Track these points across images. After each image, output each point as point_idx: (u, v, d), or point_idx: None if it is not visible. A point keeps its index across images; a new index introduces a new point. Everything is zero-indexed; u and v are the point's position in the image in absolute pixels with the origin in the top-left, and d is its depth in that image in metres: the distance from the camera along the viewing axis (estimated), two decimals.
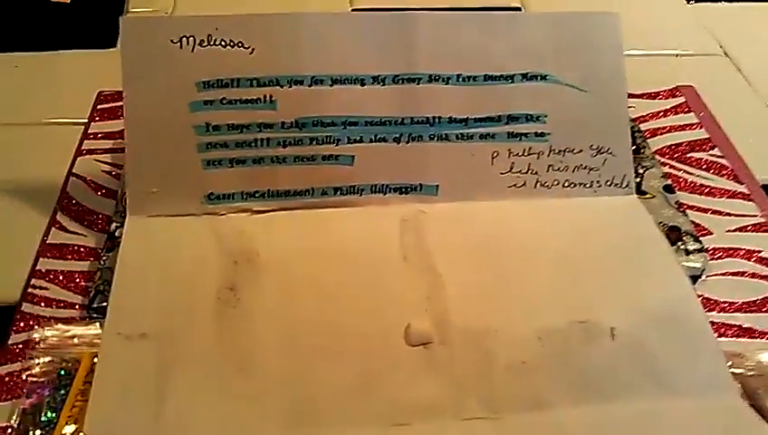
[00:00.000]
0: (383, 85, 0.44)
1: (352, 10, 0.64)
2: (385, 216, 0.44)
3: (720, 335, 0.39)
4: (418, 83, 0.45)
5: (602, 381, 0.36)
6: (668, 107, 0.55)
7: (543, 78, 0.46)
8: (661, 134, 0.53)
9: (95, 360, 0.36)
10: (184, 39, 0.43)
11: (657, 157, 0.50)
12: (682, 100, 0.56)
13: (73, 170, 0.47)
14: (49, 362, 0.36)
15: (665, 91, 0.57)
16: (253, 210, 0.44)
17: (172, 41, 0.43)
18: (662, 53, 0.63)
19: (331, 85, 0.44)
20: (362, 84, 0.44)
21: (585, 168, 0.47)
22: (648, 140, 0.52)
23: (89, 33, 0.60)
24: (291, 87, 0.44)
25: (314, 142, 0.44)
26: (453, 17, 0.46)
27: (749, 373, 0.36)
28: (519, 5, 0.66)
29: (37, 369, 0.36)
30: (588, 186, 0.46)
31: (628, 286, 0.40)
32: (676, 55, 0.63)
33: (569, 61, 0.46)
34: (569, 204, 0.45)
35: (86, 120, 0.51)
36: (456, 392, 0.35)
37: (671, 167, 0.50)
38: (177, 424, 0.34)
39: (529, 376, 0.36)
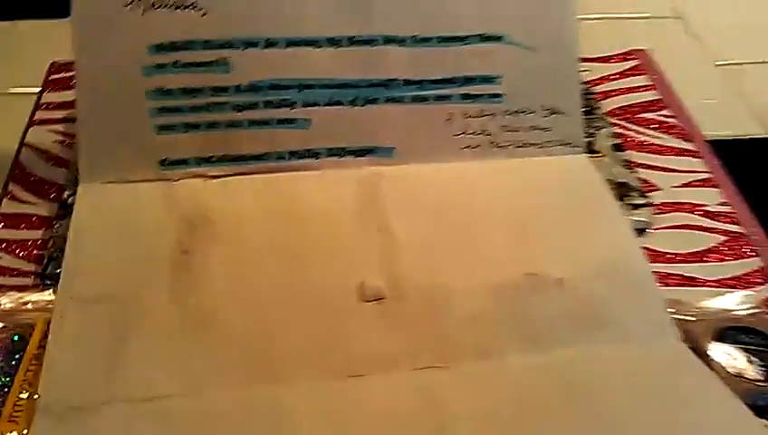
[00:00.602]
0: (339, 48, 0.44)
1: None
2: (342, 178, 0.44)
3: (664, 285, 0.40)
4: (374, 45, 0.45)
5: (550, 329, 0.37)
6: (621, 70, 0.56)
7: (498, 39, 0.46)
8: (613, 96, 0.53)
9: (49, 324, 0.36)
10: (135, 2, 0.42)
11: (609, 118, 0.51)
12: (635, 63, 0.57)
13: (25, 141, 0.47)
14: (2, 328, 0.36)
15: (618, 54, 0.58)
16: (208, 175, 0.44)
17: (124, 4, 0.42)
18: (617, 15, 0.64)
19: (286, 47, 0.44)
20: (318, 47, 0.44)
21: (537, 128, 0.47)
22: (601, 102, 0.53)
23: (44, 3, 0.58)
24: (245, 49, 0.43)
25: (270, 106, 0.44)
26: None
27: (691, 319, 0.37)
28: None
29: None
30: (540, 146, 0.47)
31: (577, 240, 0.41)
32: (631, 18, 0.64)
33: (522, 23, 0.46)
34: (521, 164, 0.46)
35: (38, 91, 0.51)
36: (409, 344, 0.36)
37: (622, 127, 0.51)
38: (135, 384, 0.34)
39: (481, 327, 0.37)
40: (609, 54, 0.57)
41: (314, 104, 0.45)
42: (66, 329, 0.35)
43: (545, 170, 0.46)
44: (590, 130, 0.49)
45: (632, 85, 0.55)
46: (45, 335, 0.35)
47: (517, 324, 0.37)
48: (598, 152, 0.48)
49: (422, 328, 0.37)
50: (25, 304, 0.37)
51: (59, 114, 0.49)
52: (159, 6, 0.42)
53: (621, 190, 0.45)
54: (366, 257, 0.40)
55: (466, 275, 0.39)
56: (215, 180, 0.44)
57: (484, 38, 0.46)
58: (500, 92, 0.46)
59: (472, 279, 0.39)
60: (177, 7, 0.43)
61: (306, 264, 0.39)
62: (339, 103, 0.45)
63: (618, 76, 0.55)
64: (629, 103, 0.53)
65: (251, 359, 0.35)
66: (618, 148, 0.48)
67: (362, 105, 0.45)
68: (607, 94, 0.54)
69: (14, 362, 0.35)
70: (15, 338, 0.36)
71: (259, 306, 0.37)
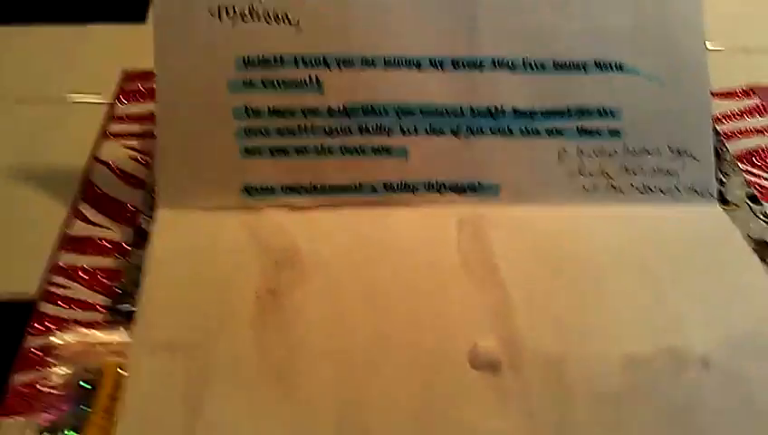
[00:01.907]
0: (442, 69, 0.40)
1: None
2: (441, 217, 0.40)
3: None
4: (481, 69, 0.40)
5: (694, 416, 0.32)
6: (745, 108, 0.50)
7: (620, 68, 0.41)
8: (739, 138, 0.48)
9: (119, 370, 0.32)
10: (223, 11, 0.38)
11: (738, 163, 0.46)
12: (758, 100, 0.51)
13: (98, 156, 0.43)
14: (70, 372, 0.32)
15: (740, 90, 0.52)
16: (294, 206, 0.40)
17: (210, 12, 0.38)
18: (737, 46, 0.58)
19: (385, 68, 0.39)
20: (419, 67, 0.40)
21: (663, 171, 0.42)
22: (727, 144, 0.47)
23: (117, 6, 0.56)
24: (339, 68, 0.39)
25: (364, 132, 0.40)
26: None
27: None
28: None
29: (57, 380, 0.32)
30: (666, 192, 0.42)
31: (719, 308, 0.36)
32: (754, 51, 0.58)
33: (646, 48, 0.41)
34: (646, 211, 0.41)
35: (110, 102, 0.47)
36: (528, 425, 0.31)
37: (754, 175, 0.45)
38: None
39: (611, 409, 0.32)
40: (730, 90, 0.52)
41: (413, 132, 0.40)
42: (141, 380, 0.31)
43: (675, 221, 0.40)
44: (720, 177, 0.43)
45: (759, 126, 0.49)
46: (116, 385, 0.32)
47: (655, 410, 0.32)
48: (731, 203, 0.43)
49: (543, 406, 0.32)
50: (95, 344, 0.33)
51: (133, 128, 0.45)
52: (250, 18, 0.39)
53: (763, 249, 0.39)
54: (476, 315, 0.35)
55: (592, 343, 0.34)
56: (302, 212, 0.39)
57: (604, 66, 0.41)
58: (620, 128, 0.41)
59: (599, 349, 0.34)
60: (269, 20, 0.39)
61: (406, 318, 0.34)
62: (440, 132, 0.41)
63: (741, 115, 0.50)
64: (760, 147, 0.47)
65: (341, 426, 0.31)
66: (754, 199, 0.43)
67: (466, 136, 0.41)
68: (731, 135, 0.48)
69: (80, 413, 0.31)
70: (84, 385, 0.32)
71: (353, 366, 0.33)
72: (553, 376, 0.33)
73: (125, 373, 0.32)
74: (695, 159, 0.42)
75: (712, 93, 0.47)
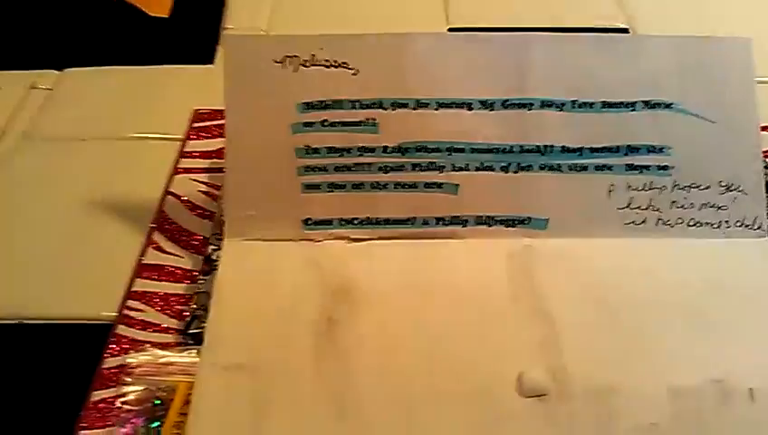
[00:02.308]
0: (492, 110, 0.42)
1: (449, 29, 0.62)
2: (490, 250, 0.41)
3: None
4: (530, 109, 0.42)
5: None
6: None
7: (668, 106, 0.42)
8: None
9: (190, 390, 0.34)
10: (287, 59, 0.41)
11: None
12: None
13: (169, 189, 0.47)
14: (144, 389, 0.35)
15: None
16: (351, 238, 0.42)
17: (275, 60, 0.41)
18: None
19: (437, 109, 0.42)
20: (470, 109, 0.42)
21: (712, 206, 0.42)
22: None
23: (186, 48, 0.60)
24: (394, 110, 0.41)
25: (417, 169, 0.42)
26: (568, 39, 0.43)
27: None
28: (625, 26, 0.62)
29: (131, 396, 0.35)
30: (715, 226, 0.42)
31: (766, 341, 0.36)
32: None
33: (694, 88, 0.42)
34: (694, 245, 0.41)
35: (181, 138, 0.51)
36: None
37: None
38: None
39: None
40: None
41: (464, 169, 0.42)
42: (208, 399, 0.34)
43: (724, 255, 0.41)
44: None
45: None
46: (186, 402, 0.34)
47: None
48: None
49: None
50: (167, 365, 0.36)
51: (203, 163, 0.48)
52: (311, 64, 0.42)
53: None
54: (524, 344, 0.36)
55: (639, 375, 0.35)
56: (357, 243, 0.42)
57: (652, 105, 0.42)
58: (669, 164, 0.42)
59: (645, 381, 0.34)
60: (328, 66, 0.42)
61: (457, 347, 0.36)
62: (490, 169, 0.42)
63: None
64: None
65: None
66: None
67: (515, 172, 0.42)
68: None
69: (153, 428, 0.34)
70: (156, 402, 0.34)
71: (406, 393, 0.34)
72: (600, 406, 0.34)
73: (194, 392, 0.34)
74: (744, 193, 0.42)
75: (761, 127, 0.47)
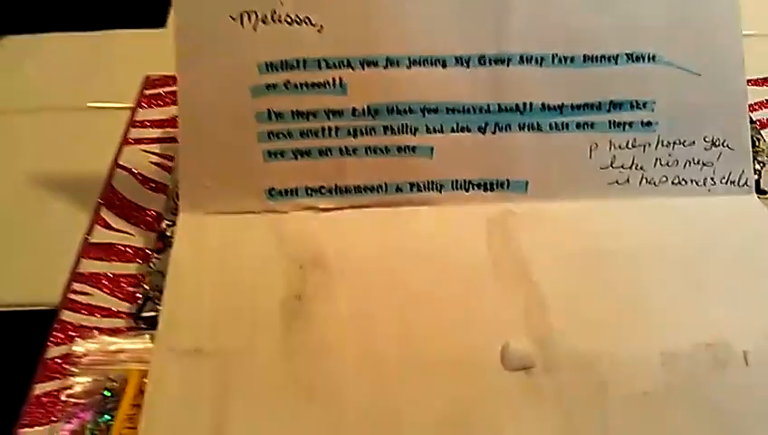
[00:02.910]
0: (467, 67, 0.39)
1: None
2: (468, 215, 0.39)
3: None
4: (508, 65, 0.39)
5: (737, 414, 0.30)
6: None
7: (652, 59, 0.40)
8: None
9: (145, 379, 0.31)
10: (245, 15, 0.38)
11: None
12: None
13: (119, 161, 0.43)
14: (92, 380, 0.31)
15: None
16: (319, 208, 0.39)
17: (231, 17, 0.38)
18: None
19: (409, 67, 0.38)
20: (444, 66, 0.39)
21: (697, 162, 0.40)
22: (761, 133, 0.46)
23: (136, 13, 0.55)
24: (363, 69, 0.38)
25: (389, 132, 0.39)
26: None
27: None
28: None
29: (78, 388, 0.31)
30: (700, 183, 0.40)
31: (759, 302, 0.34)
32: None
33: (680, 40, 0.40)
34: (680, 204, 0.39)
35: (131, 106, 0.47)
36: (565, 428, 0.30)
37: None
38: None
39: (652, 409, 0.30)
40: (765, 76, 0.50)
41: (438, 131, 0.39)
42: (164, 388, 0.30)
43: (710, 213, 0.39)
44: (756, 166, 0.42)
45: None
46: (140, 392, 0.31)
47: (696, 407, 0.31)
48: (766, 192, 0.41)
49: (580, 408, 0.30)
50: (118, 352, 0.32)
51: (155, 133, 0.45)
52: (272, 21, 0.38)
53: None
54: (507, 314, 0.34)
55: (629, 341, 0.33)
56: (326, 214, 0.39)
57: (636, 58, 0.40)
58: (653, 120, 0.40)
59: (636, 347, 0.32)
60: (290, 22, 0.38)
61: (437, 319, 0.33)
62: (466, 130, 0.39)
63: None
64: None
65: None
66: None
67: (493, 132, 0.39)
68: (765, 124, 0.47)
69: (103, 422, 0.30)
70: (106, 393, 0.31)
71: (384, 371, 0.32)
72: (589, 376, 0.32)
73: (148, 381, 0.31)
74: (730, 149, 0.40)
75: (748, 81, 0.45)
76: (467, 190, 0.40)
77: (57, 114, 0.47)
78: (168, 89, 0.47)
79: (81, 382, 0.31)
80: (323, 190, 0.39)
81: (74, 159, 0.44)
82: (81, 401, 0.31)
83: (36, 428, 0.30)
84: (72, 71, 0.51)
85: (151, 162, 0.43)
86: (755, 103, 0.48)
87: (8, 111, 0.48)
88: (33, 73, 0.51)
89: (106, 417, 0.30)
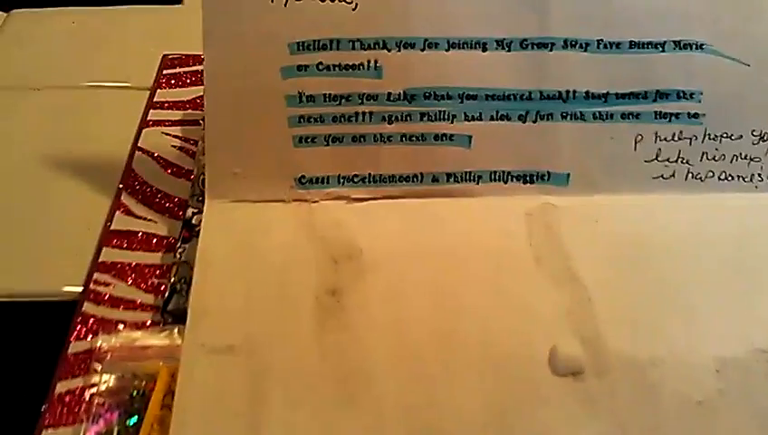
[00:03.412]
0: (509, 51, 0.37)
1: None
2: (507, 208, 0.37)
3: None
4: (551, 50, 0.37)
5: None
6: None
7: (700, 47, 0.38)
8: None
9: (173, 378, 0.29)
10: None
11: None
12: None
13: (139, 144, 0.41)
14: (117, 378, 0.30)
15: None
16: (351, 197, 0.37)
17: None
18: None
19: (447, 50, 0.36)
20: (484, 49, 0.37)
21: (745, 157, 0.39)
22: None
23: None
24: (399, 51, 0.36)
25: (425, 118, 0.37)
26: None
27: None
28: None
29: (104, 387, 0.30)
30: (747, 179, 0.39)
31: None
32: None
33: (729, 29, 0.38)
34: (727, 200, 0.38)
35: (149, 87, 0.45)
36: None
37: None
38: None
39: (707, 418, 0.29)
40: None
41: (477, 118, 0.37)
42: (195, 387, 0.29)
43: (757, 211, 0.37)
44: None
45: None
46: (169, 392, 0.29)
47: (751, 416, 0.29)
48: None
49: (632, 415, 0.29)
50: (145, 348, 0.31)
51: (175, 115, 0.43)
52: None
53: None
54: (552, 314, 0.32)
55: (680, 346, 0.31)
56: (359, 203, 0.37)
57: (683, 46, 0.38)
58: (701, 112, 0.38)
59: (688, 352, 0.31)
60: (324, 0, 0.36)
61: (477, 317, 0.32)
62: (506, 118, 0.37)
63: None
64: None
65: None
66: None
67: (534, 121, 0.38)
68: None
69: (130, 425, 0.29)
70: (134, 393, 0.29)
71: (421, 370, 0.30)
72: (641, 382, 0.30)
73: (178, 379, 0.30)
74: None
75: None
76: (506, 182, 0.38)
77: (71, 93, 0.45)
78: (187, 69, 0.45)
79: (105, 380, 0.30)
80: (356, 179, 0.37)
81: (92, 142, 0.42)
82: (107, 400, 0.29)
83: (60, 428, 0.29)
84: (83, 47, 0.49)
85: (173, 146, 0.41)
86: None
87: (17, 87, 0.46)
88: (42, 50, 0.49)
89: (133, 418, 0.29)
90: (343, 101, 0.37)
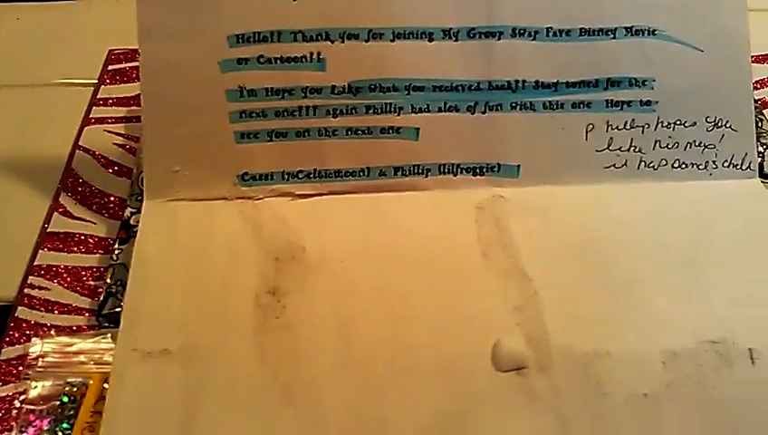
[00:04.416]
0: (456, 40, 0.36)
1: None
2: (456, 202, 0.36)
3: None
4: (499, 38, 0.36)
5: (743, 417, 0.29)
6: None
7: (652, 33, 0.37)
8: None
9: (105, 384, 0.29)
10: None
11: None
12: None
13: (80, 142, 0.40)
14: (49, 385, 0.29)
15: None
16: (295, 194, 0.36)
17: None
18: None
19: (393, 40, 0.36)
20: (430, 39, 0.36)
21: (699, 144, 0.38)
22: (764, 113, 0.44)
23: None
24: (343, 42, 0.35)
25: (371, 111, 0.36)
26: None
27: None
28: None
29: (34, 393, 0.29)
30: (702, 166, 0.38)
31: (765, 294, 0.33)
32: None
33: (682, 14, 0.37)
34: (680, 189, 0.37)
35: (93, 83, 0.44)
36: (561, 431, 0.28)
37: None
38: None
39: (653, 411, 0.29)
40: (765, 53, 0.48)
41: (425, 110, 0.37)
42: (127, 393, 0.28)
43: (712, 199, 0.37)
44: (759, 148, 0.40)
45: None
46: (101, 398, 0.28)
47: (700, 410, 0.29)
48: None
49: (577, 411, 0.28)
50: (77, 353, 0.30)
51: (119, 112, 0.42)
52: None
53: None
54: (498, 310, 0.31)
55: (627, 339, 0.31)
56: (303, 200, 0.36)
57: (635, 32, 0.37)
58: (653, 99, 0.38)
59: (635, 345, 0.30)
60: None
61: (422, 316, 0.31)
62: (454, 109, 0.37)
63: None
64: None
65: None
66: None
67: (483, 112, 0.37)
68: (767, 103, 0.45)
69: (60, 431, 0.28)
70: (65, 399, 0.28)
71: (366, 373, 0.29)
72: (586, 377, 0.30)
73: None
74: (734, 130, 0.38)
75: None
76: (455, 175, 0.37)
77: (15, 91, 0.44)
78: (133, 64, 0.44)
79: (37, 387, 0.29)
80: (301, 175, 0.36)
81: (33, 141, 0.41)
82: (38, 407, 0.28)
83: None
84: (32, 44, 0.48)
85: (115, 144, 0.40)
86: (757, 82, 0.46)
87: None
88: None
89: (64, 425, 0.28)
90: (286, 94, 0.36)
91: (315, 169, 0.36)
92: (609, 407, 0.29)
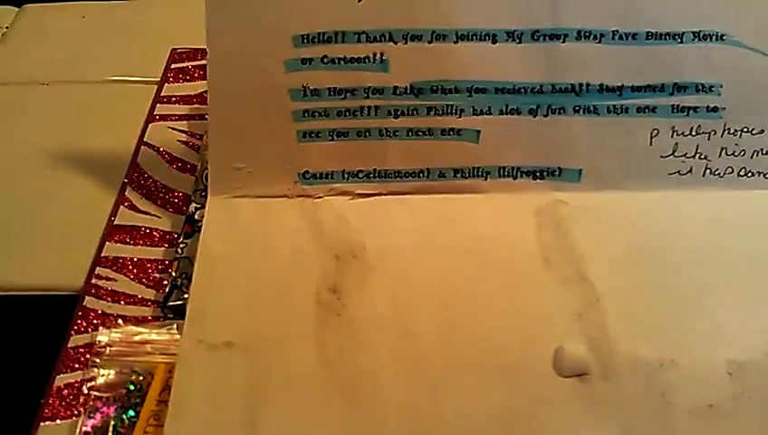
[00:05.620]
0: (519, 43, 0.36)
1: None
2: (515, 205, 0.36)
3: None
4: (563, 41, 0.36)
5: None
6: None
7: (720, 38, 0.36)
8: None
9: (171, 374, 0.29)
10: None
11: None
12: None
13: (145, 139, 0.41)
14: (116, 373, 0.30)
15: None
16: (355, 193, 0.36)
17: None
18: None
19: (456, 42, 0.36)
20: (494, 41, 0.36)
21: (766, 153, 0.37)
22: None
23: None
24: (406, 43, 0.35)
25: (432, 113, 0.36)
26: None
27: None
28: None
29: (101, 380, 0.29)
30: None
31: None
32: None
33: (751, 19, 0.36)
34: (746, 198, 0.36)
35: (157, 81, 0.45)
36: None
37: None
38: None
39: (719, 422, 0.28)
40: None
41: (486, 112, 0.36)
42: (191, 383, 0.28)
43: None
44: None
45: None
46: (166, 387, 0.29)
47: (765, 421, 0.28)
48: None
49: (640, 421, 0.28)
50: (143, 343, 0.31)
51: (182, 109, 0.42)
52: None
53: None
54: (560, 315, 0.31)
55: (693, 348, 0.30)
56: (363, 199, 0.36)
57: (702, 37, 0.36)
58: (720, 105, 0.37)
59: (700, 355, 0.30)
60: None
61: (483, 318, 0.31)
62: (516, 112, 0.36)
63: None
64: None
65: None
66: None
67: (545, 116, 0.37)
68: None
69: (127, 419, 0.29)
70: (131, 388, 0.29)
71: (425, 373, 0.29)
72: (650, 386, 0.29)
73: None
74: None
75: None
76: (515, 178, 0.37)
77: (79, 87, 0.46)
78: (195, 63, 0.45)
79: (104, 374, 0.30)
80: (361, 175, 0.36)
81: (98, 137, 0.42)
82: (105, 394, 0.29)
83: (58, 421, 0.29)
84: (95, 41, 0.49)
85: (179, 141, 0.41)
86: None
87: (26, 82, 0.46)
88: (54, 44, 0.49)
89: (130, 412, 0.28)
90: (348, 94, 0.36)
91: (375, 169, 0.36)
92: (673, 417, 0.28)
